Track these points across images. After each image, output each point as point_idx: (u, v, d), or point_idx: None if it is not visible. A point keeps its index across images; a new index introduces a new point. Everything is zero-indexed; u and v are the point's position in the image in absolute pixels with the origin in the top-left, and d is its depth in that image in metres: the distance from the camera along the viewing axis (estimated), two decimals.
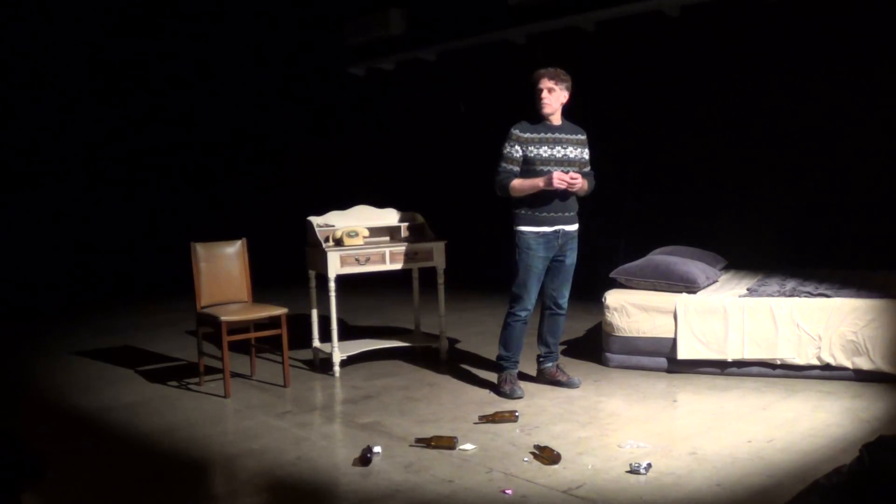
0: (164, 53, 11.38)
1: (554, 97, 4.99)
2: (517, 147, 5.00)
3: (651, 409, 4.73)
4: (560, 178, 4.83)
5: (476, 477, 3.73)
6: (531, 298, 5.10)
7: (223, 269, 5.61)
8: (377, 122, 11.40)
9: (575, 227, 5.13)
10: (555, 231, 5.03)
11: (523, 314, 5.11)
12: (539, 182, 4.89)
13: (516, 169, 5.00)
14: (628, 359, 5.60)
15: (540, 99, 4.99)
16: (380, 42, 10.31)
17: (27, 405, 5.40)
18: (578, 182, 4.91)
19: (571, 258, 5.16)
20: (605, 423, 4.50)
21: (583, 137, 5.15)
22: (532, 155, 4.97)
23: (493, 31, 9.16)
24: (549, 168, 4.93)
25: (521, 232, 5.02)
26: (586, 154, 5.17)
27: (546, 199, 4.97)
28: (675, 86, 8.18)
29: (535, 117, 5.05)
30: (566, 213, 5.05)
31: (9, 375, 6.26)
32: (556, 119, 5.07)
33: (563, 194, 4.96)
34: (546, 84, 4.98)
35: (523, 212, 5.01)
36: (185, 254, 5.55)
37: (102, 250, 11.25)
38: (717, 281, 5.95)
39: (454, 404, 4.94)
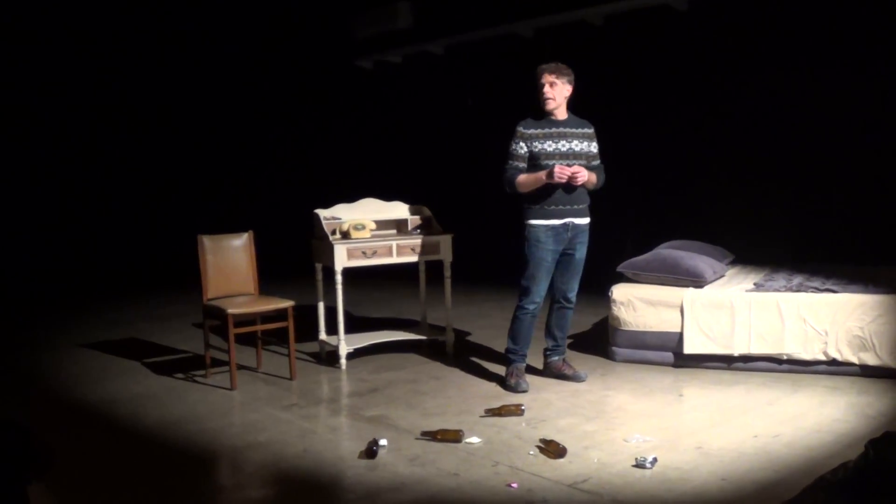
0: (172, 46, 11.39)
1: (557, 91, 4.99)
2: (522, 144, 5.00)
3: (657, 404, 4.73)
4: (560, 172, 4.82)
5: (482, 470, 3.74)
6: (540, 292, 5.09)
7: (230, 262, 5.62)
8: (384, 116, 11.39)
9: (586, 220, 5.12)
10: (564, 224, 5.01)
11: (532, 307, 5.10)
12: (542, 175, 4.90)
13: (522, 165, 5.01)
14: (634, 353, 5.60)
15: (542, 94, 4.99)
16: (387, 35, 10.31)
17: (34, 397, 5.42)
18: (582, 175, 4.89)
19: (581, 252, 5.15)
20: (611, 417, 4.50)
21: (590, 131, 5.15)
22: (537, 150, 4.97)
23: (500, 25, 9.15)
24: (553, 162, 4.93)
25: (531, 225, 5.02)
26: (594, 147, 5.16)
27: (553, 192, 4.96)
28: (683, 80, 8.15)
29: (540, 113, 5.06)
30: (575, 206, 5.04)
31: (16, 367, 6.29)
32: (562, 113, 5.06)
33: (569, 187, 4.94)
34: (548, 78, 4.98)
35: (532, 205, 5.01)
36: (192, 246, 5.56)
37: (109, 242, 11.28)
38: (723, 275, 5.94)
39: (460, 398, 4.95)
